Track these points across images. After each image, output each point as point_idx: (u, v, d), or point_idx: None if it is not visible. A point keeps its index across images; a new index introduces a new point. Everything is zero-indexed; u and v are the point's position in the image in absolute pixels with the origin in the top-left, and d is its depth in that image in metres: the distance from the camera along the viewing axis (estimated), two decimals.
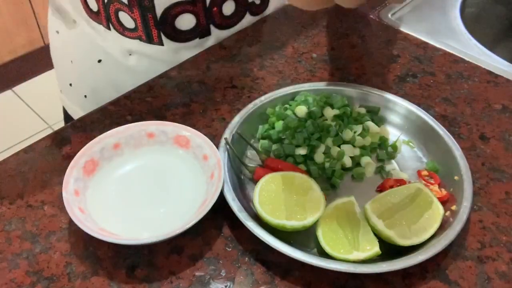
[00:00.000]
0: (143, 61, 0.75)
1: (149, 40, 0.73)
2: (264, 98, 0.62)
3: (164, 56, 0.75)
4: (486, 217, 0.54)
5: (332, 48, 0.76)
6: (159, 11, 0.69)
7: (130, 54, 0.76)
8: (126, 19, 0.71)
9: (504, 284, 0.48)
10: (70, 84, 0.85)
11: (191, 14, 0.71)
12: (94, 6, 0.72)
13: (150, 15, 0.69)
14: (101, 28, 0.75)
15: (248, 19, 0.78)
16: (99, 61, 0.78)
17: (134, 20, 0.71)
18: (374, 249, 0.47)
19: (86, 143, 0.55)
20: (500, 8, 1.00)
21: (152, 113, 0.65)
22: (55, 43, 0.86)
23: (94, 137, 0.55)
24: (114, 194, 0.53)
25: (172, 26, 0.71)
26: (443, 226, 0.50)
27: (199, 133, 0.56)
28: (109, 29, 0.74)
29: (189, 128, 0.57)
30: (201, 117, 0.64)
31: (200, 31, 0.74)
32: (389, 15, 0.84)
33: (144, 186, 0.55)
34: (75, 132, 0.62)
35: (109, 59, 0.77)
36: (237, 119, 0.60)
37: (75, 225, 0.47)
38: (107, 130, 0.56)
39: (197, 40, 0.75)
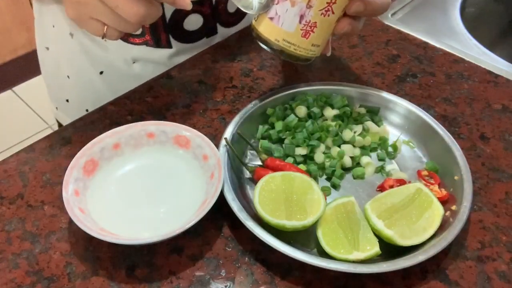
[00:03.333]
0: (147, 67, 0.75)
1: (157, 44, 0.73)
2: (264, 98, 0.62)
3: (170, 59, 0.75)
4: (486, 217, 0.54)
5: (332, 48, 0.76)
6: (168, 14, 0.69)
7: (134, 62, 0.75)
8: None
9: (504, 284, 0.48)
10: (67, 100, 0.82)
11: (199, 14, 0.71)
12: None
13: (159, 19, 0.69)
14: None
15: (250, 15, 0.78)
16: (101, 72, 0.77)
17: None
18: (374, 249, 0.47)
19: (86, 143, 0.55)
20: (500, 8, 1.00)
21: (152, 113, 0.65)
22: (45, 61, 0.84)
23: (94, 137, 0.55)
24: (114, 194, 0.53)
25: (180, 28, 0.72)
26: (443, 226, 0.50)
27: (199, 133, 0.56)
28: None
29: (189, 128, 0.57)
30: (201, 117, 0.64)
31: (207, 31, 0.75)
32: (389, 15, 0.84)
33: (144, 186, 0.54)
34: (75, 132, 0.62)
35: (111, 69, 0.76)
36: (237, 119, 0.60)
37: (75, 225, 0.47)
38: (107, 130, 0.56)
39: (204, 39, 0.76)
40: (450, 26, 0.84)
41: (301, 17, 0.53)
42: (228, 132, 0.58)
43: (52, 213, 0.53)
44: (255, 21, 0.57)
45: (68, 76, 0.80)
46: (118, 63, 0.75)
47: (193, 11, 0.70)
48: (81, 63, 0.77)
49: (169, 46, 0.73)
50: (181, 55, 0.75)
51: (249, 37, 0.78)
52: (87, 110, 0.70)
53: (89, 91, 0.79)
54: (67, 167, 0.52)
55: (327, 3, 0.52)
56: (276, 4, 0.54)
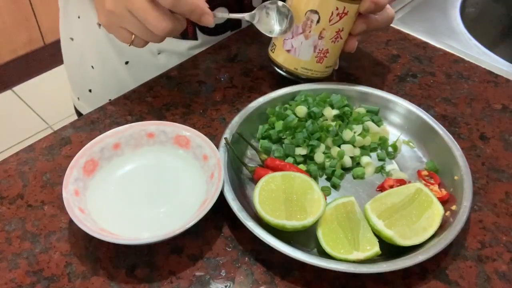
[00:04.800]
0: (172, 58, 0.76)
1: (183, 36, 0.74)
2: (264, 98, 0.62)
3: (193, 51, 0.76)
4: (486, 217, 0.54)
5: None
6: None
7: (159, 53, 0.76)
8: None
9: (504, 284, 0.48)
10: (90, 90, 0.84)
11: (225, 8, 0.73)
12: None
13: None
14: None
15: None
16: (127, 63, 0.78)
17: None
18: (374, 249, 0.47)
19: (86, 143, 0.55)
20: (500, 8, 1.00)
21: (152, 113, 0.65)
22: (69, 51, 0.85)
23: (94, 137, 0.55)
24: (114, 194, 0.53)
25: None
26: (443, 226, 0.50)
27: (199, 133, 0.56)
28: None
29: (189, 128, 0.57)
30: (201, 117, 0.64)
31: (232, 24, 0.77)
32: None
33: (144, 186, 0.54)
34: (75, 132, 0.62)
35: (137, 60, 0.77)
36: (237, 119, 0.60)
37: (75, 225, 0.47)
38: (107, 130, 0.56)
39: (228, 32, 0.78)
40: (450, 26, 0.84)
41: (315, 47, 0.61)
42: (228, 132, 0.58)
43: (52, 213, 0.53)
44: (273, 53, 0.65)
45: (92, 67, 0.81)
46: (144, 53, 0.76)
47: (219, 4, 0.72)
48: (106, 53, 0.78)
49: (194, 38, 0.75)
50: (205, 47, 0.76)
51: (249, 37, 0.78)
52: (110, 100, 0.71)
53: (113, 81, 0.81)
54: (67, 167, 0.52)
55: (336, 32, 0.60)
56: (291, 38, 0.61)
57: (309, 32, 0.60)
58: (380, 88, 0.66)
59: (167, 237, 0.47)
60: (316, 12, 0.58)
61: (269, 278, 0.48)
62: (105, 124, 0.63)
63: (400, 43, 0.78)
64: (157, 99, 0.67)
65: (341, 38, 0.61)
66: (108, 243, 0.49)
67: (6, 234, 0.52)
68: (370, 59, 0.75)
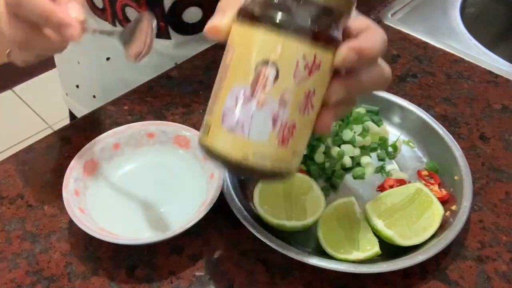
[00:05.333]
0: (152, 57, 0.76)
1: (156, 34, 0.73)
2: None
3: (172, 51, 0.75)
4: (486, 217, 0.54)
5: None
6: (167, 4, 0.70)
7: None
8: (133, 14, 0.72)
9: (504, 284, 0.48)
10: (77, 86, 0.84)
11: (198, 7, 0.72)
12: (99, 3, 0.72)
13: (158, 8, 0.70)
14: (106, 25, 0.74)
15: None
16: (108, 59, 0.78)
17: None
18: (374, 249, 0.47)
19: (86, 143, 0.55)
20: (500, 8, 1.00)
21: (152, 113, 0.65)
22: None
23: (94, 137, 0.55)
24: (114, 194, 0.53)
25: (179, 19, 0.72)
26: (443, 226, 0.50)
27: (199, 133, 0.56)
28: (115, 25, 0.74)
29: (189, 128, 0.57)
30: (201, 117, 0.64)
31: (205, 24, 0.75)
32: (389, 15, 0.84)
33: (144, 186, 0.54)
34: (75, 132, 0.62)
35: (117, 56, 0.77)
36: None
37: (75, 225, 0.47)
38: (107, 130, 0.56)
39: (202, 32, 0.76)
40: (450, 26, 0.84)
41: (274, 120, 0.38)
42: None
43: (52, 213, 0.53)
44: (207, 135, 0.40)
45: (78, 62, 0.81)
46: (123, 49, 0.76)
47: (192, 3, 0.71)
48: (90, 49, 0.78)
49: (167, 37, 0.74)
50: (182, 47, 0.76)
51: None
52: (94, 96, 0.70)
53: (98, 77, 0.80)
54: (67, 167, 0.52)
55: (305, 95, 0.38)
56: (235, 107, 0.38)
57: (263, 95, 0.37)
58: None
59: (167, 237, 0.47)
60: (271, 63, 0.37)
61: (269, 278, 0.48)
62: (105, 124, 0.63)
63: (400, 43, 0.78)
64: (157, 99, 0.67)
65: (312, 108, 0.39)
66: (108, 243, 0.49)
67: (6, 234, 0.52)
68: None
